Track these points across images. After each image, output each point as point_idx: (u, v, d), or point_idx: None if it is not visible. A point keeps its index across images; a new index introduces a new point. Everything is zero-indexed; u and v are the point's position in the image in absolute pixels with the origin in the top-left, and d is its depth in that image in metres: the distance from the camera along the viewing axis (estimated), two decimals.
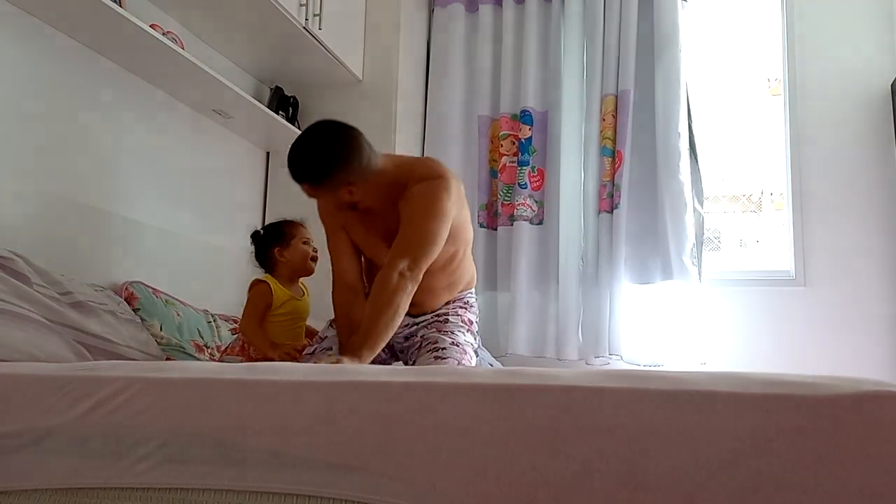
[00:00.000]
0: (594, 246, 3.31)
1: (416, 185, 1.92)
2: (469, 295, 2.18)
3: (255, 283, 2.16)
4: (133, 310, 2.17)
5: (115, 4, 2.04)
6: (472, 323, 2.15)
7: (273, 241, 2.20)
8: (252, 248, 2.25)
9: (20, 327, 1.60)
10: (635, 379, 1.10)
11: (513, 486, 1.03)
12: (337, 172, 1.84)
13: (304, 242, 2.22)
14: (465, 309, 2.14)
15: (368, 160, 1.88)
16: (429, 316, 2.10)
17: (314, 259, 2.22)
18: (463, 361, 1.98)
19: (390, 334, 1.84)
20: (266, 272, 2.20)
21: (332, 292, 2.06)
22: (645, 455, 1.00)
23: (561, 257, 3.31)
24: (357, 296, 2.04)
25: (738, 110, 3.65)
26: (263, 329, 2.11)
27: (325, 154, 1.83)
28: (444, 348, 1.95)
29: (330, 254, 2.09)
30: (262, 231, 2.27)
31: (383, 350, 2.06)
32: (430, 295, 2.06)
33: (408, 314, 2.00)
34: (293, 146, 1.86)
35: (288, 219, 2.27)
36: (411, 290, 1.86)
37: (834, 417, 0.98)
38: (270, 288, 2.12)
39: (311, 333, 2.27)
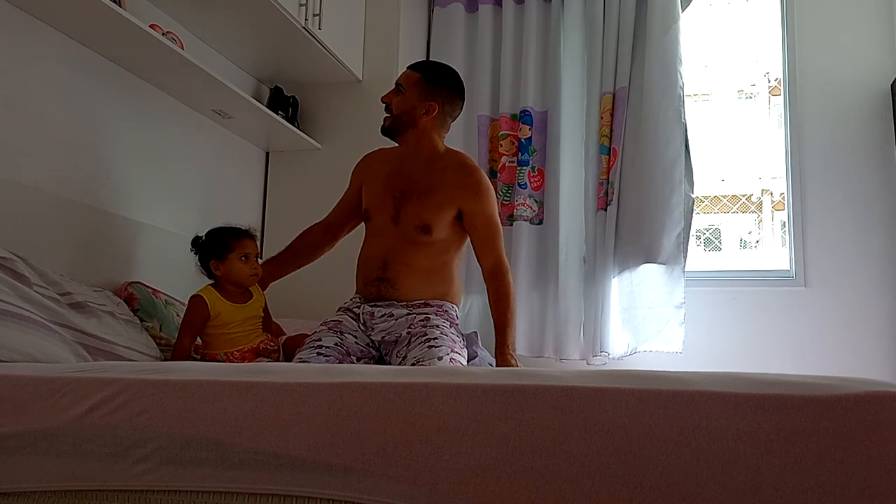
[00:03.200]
0: (594, 246, 3.31)
1: (467, 169, 2.21)
2: (450, 307, 2.20)
3: (192, 298, 2.15)
4: (132, 310, 2.17)
5: (114, 4, 2.04)
6: (455, 326, 2.17)
7: (210, 253, 2.18)
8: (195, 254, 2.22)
9: (20, 328, 1.60)
10: (635, 379, 1.10)
11: (513, 486, 1.03)
12: (442, 86, 2.20)
13: (244, 257, 2.17)
14: (449, 322, 2.15)
15: (449, 117, 2.25)
16: (404, 311, 2.11)
17: (254, 275, 2.20)
18: (455, 349, 2.01)
19: (516, 312, 2.17)
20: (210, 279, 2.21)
21: (314, 224, 2.41)
22: (645, 455, 1.00)
23: (561, 257, 3.31)
24: (325, 234, 2.42)
25: (739, 110, 3.65)
26: (206, 340, 2.17)
27: (450, 74, 2.25)
28: (435, 338, 2.01)
29: (337, 203, 2.42)
30: (202, 239, 2.22)
31: (373, 347, 2.15)
32: (406, 273, 2.13)
33: (381, 297, 2.14)
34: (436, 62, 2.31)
35: (236, 227, 2.23)
36: (509, 273, 2.18)
37: (834, 417, 0.98)
38: (206, 302, 2.12)
39: (277, 332, 2.32)
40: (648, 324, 3.17)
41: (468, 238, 2.24)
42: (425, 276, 2.16)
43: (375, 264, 2.17)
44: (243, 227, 2.23)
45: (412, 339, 2.04)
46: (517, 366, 2.08)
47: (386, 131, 2.22)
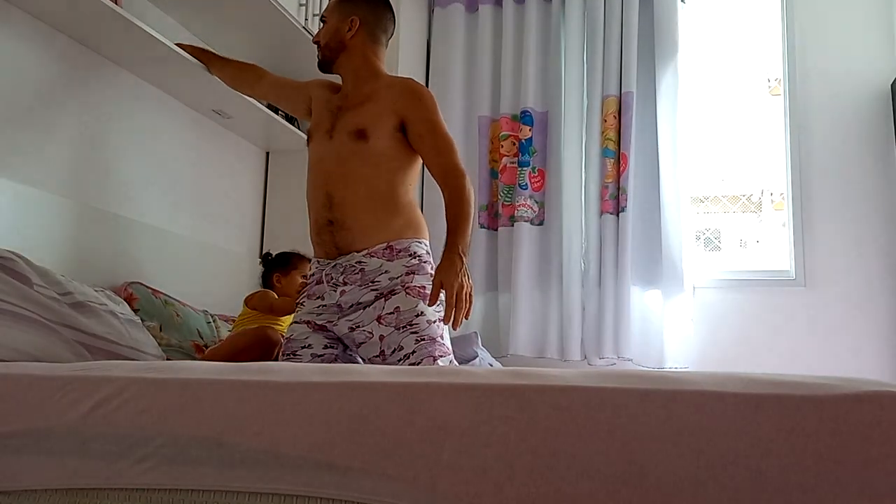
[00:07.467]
0: (596, 247, 3.31)
1: (407, 80, 2.11)
2: (417, 244, 2.00)
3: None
4: (133, 310, 2.17)
5: (113, 4, 2.04)
6: (425, 287, 1.94)
7: (277, 266, 2.45)
8: (261, 268, 2.54)
9: (20, 328, 1.60)
10: (635, 379, 1.10)
11: (513, 486, 1.03)
12: (360, 0, 2.12)
13: (304, 277, 2.32)
14: (414, 272, 1.95)
15: (378, 31, 2.14)
16: (371, 295, 1.93)
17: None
18: (436, 354, 1.87)
19: (471, 216, 1.95)
20: None
21: (261, 69, 2.41)
22: (645, 455, 1.00)
23: (564, 258, 3.31)
24: (256, 76, 2.39)
25: (739, 110, 3.65)
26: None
27: None
28: (413, 352, 1.86)
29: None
30: (271, 255, 2.50)
31: (331, 346, 1.99)
32: (353, 204, 1.97)
33: (339, 250, 1.98)
34: None
35: (300, 253, 2.47)
36: (465, 178, 1.98)
37: (834, 417, 0.98)
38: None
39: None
40: (666, 339, 3.18)
41: (416, 162, 2.07)
42: (373, 204, 1.97)
43: (320, 200, 2.00)
44: (308, 256, 2.41)
45: (390, 354, 1.88)
46: (461, 267, 1.85)
47: (321, 65, 2.15)
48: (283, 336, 2.22)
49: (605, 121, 3.33)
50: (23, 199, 2.05)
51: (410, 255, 1.97)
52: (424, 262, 2.00)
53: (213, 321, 2.50)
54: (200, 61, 2.39)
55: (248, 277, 2.92)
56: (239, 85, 2.44)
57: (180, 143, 2.73)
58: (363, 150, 1.98)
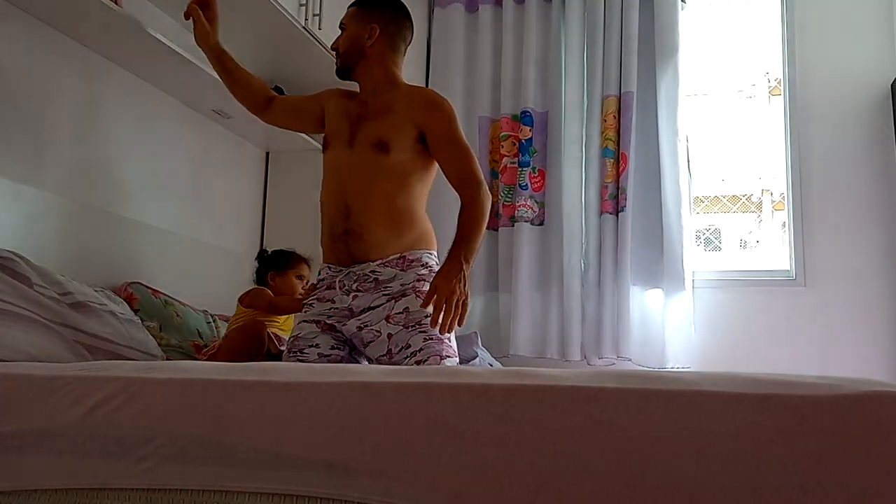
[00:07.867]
0: (596, 247, 3.31)
1: (428, 91, 2.16)
2: (428, 255, 2.04)
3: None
4: (133, 310, 2.17)
5: (113, 4, 2.04)
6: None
7: (271, 265, 2.41)
8: (256, 265, 2.48)
9: (20, 328, 1.60)
10: (635, 379, 1.10)
11: (513, 486, 1.03)
12: (377, 7, 2.13)
13: (299, 277, 2.34)
14: (424, 280, 1.97)
15: (398, 38, 2.14)
16: (383, 299, 1.94)
17: (301, 298, 2.23)
18: (443, 353, 1.89)
19: (482, 228, 1.99)
20: None
21: (266, 85, 2.36)
22: (645, 455, 1.00)
23: (564, 258, 3.31)
24: (260, 97, 2.33)
25: (739, 110, 3.65)
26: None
27: None
28: (420, 349, 1.88)
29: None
30: (267, 252, 2.46)
31: (338, 347, 1.99)
32: (370, 216, 1.97)
33: (353, 258, 1.98)
34: None
35: (298, 253, 2.43)
36: (481, 187, 2.01)
37: (834, 417, 0.98)
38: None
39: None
40: (666, 339, 3.18)
41: (432, 172, 2.09)
42: (390, 218, 1.99)
43: (337, 209, 2.00)
44: (305, 255, 2.43)
45: (397, 351, 1.90)
46: (459, 274, 1.86)
47: (339, 72, 2.15)
48: (274, 333, 2.22)
49: (605, 121, 3.33)
50: (23, 199, 2.05)
51: (422, 266, 2.01)
52: (434, 273, 2.01)
53: (213, 321, 2.50)
54: (210, 59, 2.30)
55: (248, 277, 2.91)
56: (242, 96, 2.34)
57: (180, 143, 2.72)
58: (384, 162, 1.99)
